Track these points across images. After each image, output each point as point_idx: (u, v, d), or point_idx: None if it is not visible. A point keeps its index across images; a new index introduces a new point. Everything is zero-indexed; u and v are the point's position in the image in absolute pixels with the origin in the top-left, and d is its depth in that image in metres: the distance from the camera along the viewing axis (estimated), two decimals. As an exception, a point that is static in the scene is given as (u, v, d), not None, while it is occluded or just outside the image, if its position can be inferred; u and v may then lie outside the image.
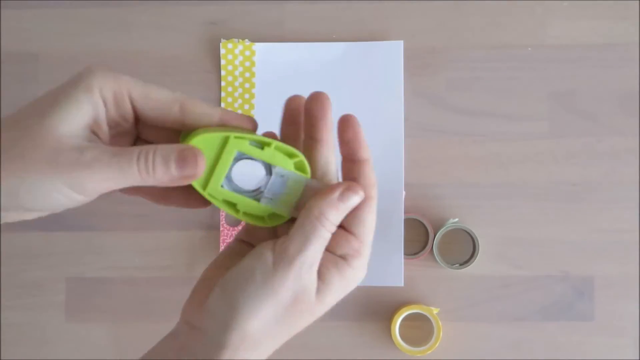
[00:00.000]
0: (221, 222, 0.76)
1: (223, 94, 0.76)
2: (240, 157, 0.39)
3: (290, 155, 0.39)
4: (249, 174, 0.39)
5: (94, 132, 0.38)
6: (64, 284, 0.76)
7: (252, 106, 0.76)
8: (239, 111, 0.76)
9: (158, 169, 0.37)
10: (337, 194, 0.39)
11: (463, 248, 0.75)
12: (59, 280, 0.77)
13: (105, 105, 0.39)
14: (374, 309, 0.75)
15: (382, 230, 0.74)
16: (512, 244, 0.75)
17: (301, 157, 0.39)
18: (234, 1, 0.78)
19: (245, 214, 0.40)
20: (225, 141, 0.38)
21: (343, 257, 0.39)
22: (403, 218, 0.74)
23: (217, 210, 0.76)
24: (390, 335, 0.73)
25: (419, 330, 0.74)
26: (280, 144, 0.39)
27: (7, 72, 0.78)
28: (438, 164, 0.76)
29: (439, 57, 0.76)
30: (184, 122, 0.39)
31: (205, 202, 0.40)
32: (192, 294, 0.42)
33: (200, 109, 0.39)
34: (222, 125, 0.40)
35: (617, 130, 0.75)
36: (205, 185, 0.39)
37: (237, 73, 0.76)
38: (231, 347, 0.38)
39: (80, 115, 0.37)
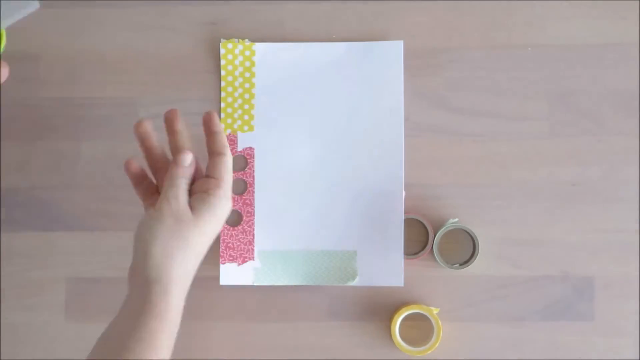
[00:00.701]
0: None
1: (223, 94, 0.76)
2: None
3: None
4: None
5: None
6: (64, 284, 0.76)
7: (252, 106, 0.76)
8: (239, 111, 0.76)
9: None
10: (176, 161, 0.61)
11: (463, 248, 0.75)
12: (59, 280, 0.77)
13: None
14: (374, 309, 0.75)
15: (382, 230, 0.74)
16: (512, 244, 0.75)
17: None
18: (234, 1, 0.78)
19: None
20: None
21: (206, 191, 0.60)
22: (403, 218, 0.74)
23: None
24: (390, 335, 0.73)
25: (419, 330, 0.74)
26: None
27: (7, 72, 0.78)
28: (438, 164, 0.76)
29: (439, 57, 0.76)
30: None
31: None
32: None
33: None
34: None
35: (617, 130, 0.75)
36: None
37: (237, 73, 0.76)
38: (155, 277, 0.57)
39: None
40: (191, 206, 0.60)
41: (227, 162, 0.62)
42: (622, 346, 0.74)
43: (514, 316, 0.74)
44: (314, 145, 0.76)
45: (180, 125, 0.63)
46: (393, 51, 0.75)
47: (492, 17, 0.76)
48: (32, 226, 0.77)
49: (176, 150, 0.62)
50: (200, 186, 0.61)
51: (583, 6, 0.76)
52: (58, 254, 0.77)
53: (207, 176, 0.62)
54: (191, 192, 0.61)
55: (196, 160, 0.62)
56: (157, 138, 0.64)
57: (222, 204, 0.60)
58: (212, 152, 0.62)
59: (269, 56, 0.76)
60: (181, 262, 0.58)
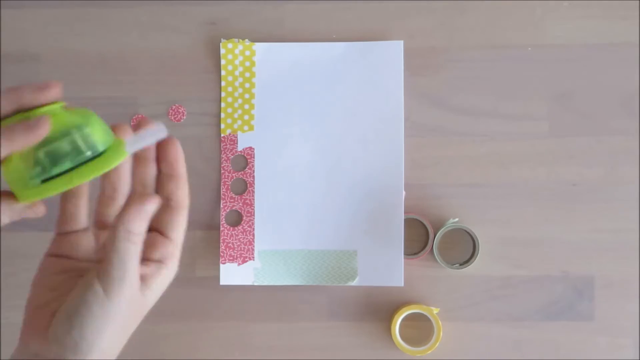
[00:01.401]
0: (221, 222, 0.76)
1: (223, 94, 0.76)
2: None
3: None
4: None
5: None
6: (64, 284, 0.76)
7: (252, 106, 0.76)
8: (239, 111, 0.76)
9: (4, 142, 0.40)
10: (136, 206, 0.41)
11: (463, 248, 0.75)
12: (59, 280, 0.76)
13: None
14: (374, 309, 0.75)
15: (382, 230, 0.74)
16: (512, 244, 0.75)
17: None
18: (234, 1, 0.78)
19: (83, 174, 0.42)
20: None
21: (160, 261, 0.44)
22: (403, 218, 0.74)
23: (217, 210, 0.76)
24: (390, 335, 0.73)
25: (419, 330, 0.74)
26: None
27: (7, 72, 0.78)
28: (438, 164, 0.76)
29: (439, 57, 0.76)
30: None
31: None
32: (27, 321, 0.46)
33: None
34: None
35: (617, 130, 0.75)
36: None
37: (237, 73, 0.76)
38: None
39: None
40: (141, 277, 0.43)
41: (186, 217, 0.45)
42: (622, 346, 0.74)
43: (514, 316, 0.74)
44: (314, 145, 0.76)
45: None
46: (393, 51, 0.75)
47: (492, 17, 0.76)
48: (32, 226, 0.77)
49: (142, 189, 0.45)
50: (150, 249, 0.44)
51: (583, 6, 0.76)
52: (58, 254, 0.77)
53: (157, 231, 0.45)
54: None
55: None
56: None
57: (172, 275, 0.46)
58: (171, 201, 0.44)
59: (269, 56, 0.76)
60: (114, 351, 0.44)
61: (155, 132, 0.44)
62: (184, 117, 0.77)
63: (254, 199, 0.75)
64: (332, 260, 0.74)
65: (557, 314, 0.74)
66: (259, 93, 0.76)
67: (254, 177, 0.76)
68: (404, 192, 0.74)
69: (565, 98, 0.76)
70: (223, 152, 0.76)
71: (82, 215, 0.49)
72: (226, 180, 0.76)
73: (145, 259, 0.43)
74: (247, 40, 0.77)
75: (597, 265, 0.74)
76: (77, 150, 0.41)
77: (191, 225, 0.76)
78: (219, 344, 0.76)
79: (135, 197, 0.41)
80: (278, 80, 0.76)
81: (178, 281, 0.76)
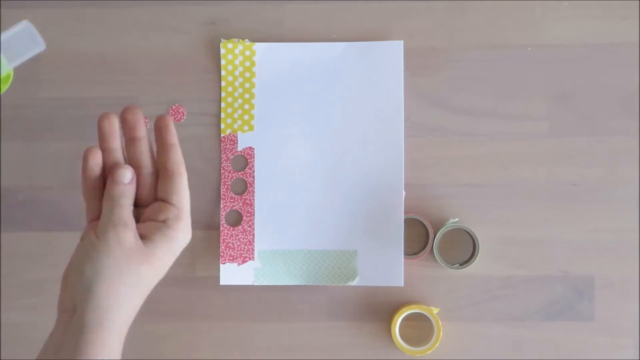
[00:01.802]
0: (221, 222, 0.76)
1: (223, 94, 0.76)
2: None
3: None
4: None
5: None
6: (64, 284, 0.76)
7: (252, 106, 0.76)
8: (239, 111, 0.76)
9: None
10: (113, 177, 0.50)
11: (463, 248, 0.75)
12: (59, 280, 0.76)
13: None
14: (374, 309, 0.75)
15: (382, 230, 0.74)
16: (512, 244, 0.75)
17: None
18: (234, 1, 0.78)
19: None
20: None
21: (164, 221, 0.49)
22: (403, 218, 0.74)
23: (217, 210, 0.76)
24: (390, 335, 0.73)
25: (419, 330, 0.74)
26: None
27: (7, 72, 0.78)
28: (438, 164, 0.76)
29: (439, 57, 0.76)
30: None
31: None
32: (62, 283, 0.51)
33: None
34: None
35: (617, 130, 0.75)
36: None
37: (237, 73, 0.76)
38: (94, 323, 0.46)
39: None
40: (141, 235, 0.49)
41: (185, 183, 0.51)
42: (622, 346, 0.74)
43: (514, 316, 0.74)
44: (314, 145, 0.76)
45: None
46: (393, 51, 0.75)
47: (492, 17, 0.76)
48: (32, 226, 0.77)
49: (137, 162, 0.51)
50: (155, 213, 0.50)
51: (583, 6, 0.76)
52: (58, 254, 0.77)
53: (162, 200, 0.50)
54: (139, 217, 0.51)
55: (138, 176, 0.51)
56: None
57: (182, 238, 0.50)
58: (167, 169, 0.50)
59: (269, 56, 0.76)
60: (129, 303, 0.49)
61: (25, 36, 0.47)
62: (184, 117, 0.77)
63: (254, 199, 0.75)
64: (332, 260, 0.75)
65: (557, 314, 0.74)
66: (259, 93, 0.76)
67: (254, 177, 0.76)
68: (404, 192, 0.74)
69: (565, 98, 0.76)
70: (223, 152, 0.76)
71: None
72: (226, 180, 0.76)
73: (148, 219, 0.50)
74: (247, 40, 0.77)
75: (597, 265, 0.74)
76: None
77: (191, 225, 0.76)
78: (219, 344, 0.76)
79: (114, 169, 0.50)
80: (278, 80, 0.76)
81: (178, 281, 0.76)
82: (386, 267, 0.74)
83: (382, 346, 0.75)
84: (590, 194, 0.75)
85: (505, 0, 0.76)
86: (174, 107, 0.77)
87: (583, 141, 0.75)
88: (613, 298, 0.74)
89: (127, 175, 0.50)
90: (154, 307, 0.76)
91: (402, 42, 0.75)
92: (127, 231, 0.48)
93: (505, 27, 0.76)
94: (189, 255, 0.76)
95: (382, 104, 0.75)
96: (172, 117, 0.77)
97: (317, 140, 0.76)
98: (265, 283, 0.75)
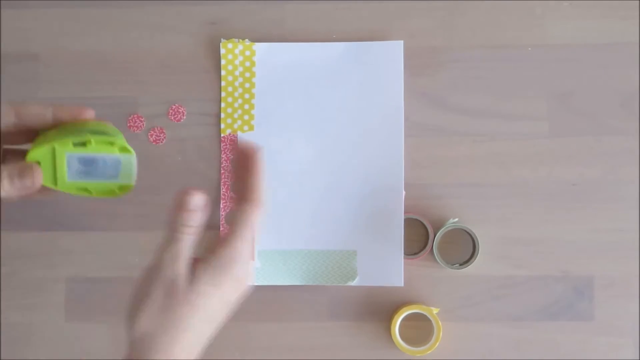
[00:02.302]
0: (221, 222, 0.76)
1: (223, 94, 0.76)
2: (72, 156, 0.48)
3: (111, 144, 0.48)
4: (85, 164, 0.48)
5: None
6: (64, 284, 0.76)
7: (252, 106, 0.76)
8: (239, 111, 0.76)
9: (5, 184, 0.45)
10: (177, 202, 0.47)
11: (463, 248, 0.75)
12: (59, 280, 0.77)
13: None
14: (374, 309, 0.75)
15: (382, 230, 0.74)
16: (512, 244, 0.75)
17: (119, 141, 0.49)
18: (234, 1, 0.78)
19: (98, 192, 0.50)
20: (53, 150, 0.47)
21: (211, 252, 0.46)
22: (403, 218, 0.74)
23: (217, 210, 0.76)
24: (390, 335, 0.73)
25: (419, 330, 0.74)
26: (98, 138, 0.48)
27: (7, 72, 0.78)
28: (438, 164, 0.76)
29: (439, 57, 0.76)
30: (23, 125, 0.48)
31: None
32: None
33: (33, 111, 0.48)
34: (58, 123, 0.49)
35: (617, 130, 0.75)
36: (55, 182, 0.48)
37: (237, 73, 0.76)
38: (134, 348, 0.45)
39: None
40: (194, 270, 0.46)
41: (251, 212, 0.47)
42: (622, 346, 0.74)
43: (514, 316, 0.74)
44: (314, 145, 0.76)
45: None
46: (393, 51, 0.75)
47: (492, 17, 0.76)
48: (32, 226, 0.77)
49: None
50: (210, 243, 0.47)
51: (583, 6, 0.76)
52: (58, 254, 0.77)
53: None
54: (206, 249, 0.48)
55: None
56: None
57: (232, 269, 0.46)
58: (241, 195, 0.48)
59: (269, 56, 0.76)
60: (172, 343, 0.45)
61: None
62: (184, 117, 0.77)
63: None
64: (332, 260, 0.75)
65: (557, 314, 0.74)
66: (259, 93, 0.76)
67: None
68: (403, 192, 0.74)
69: (565, 98, 0.76)
70: (223, 152, 0.76)
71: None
72: (226, 180, 0.76)
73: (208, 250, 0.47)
74: (247, 40, 0.77)
75: (597, 265, 0.74)
76: (112, 174, 0.49)
77: (191, 225, 0.76)
78: (219, 344, 0.76)
79: (179, 193, 0.48)
80: (278, 80, 0.76)
81: (178, 281, 0.76)
82: (386, 267, 0.74)
83: (382, 346, 0.75)
84: (590, 194, 0.75)
85: (505, 0, 0.76)
86: (174, 107, 0.77)
87: (583, 141, 0.75)
88: (613, 298, 0.74)
89: (194, 201, 0.47)
90: (154, 307, 0.76)
91: (402, 42, 0.75)
92: (175, 267, 0.45)
93: (505, 27, 0.76)
94: (189, 255, 0.76)
95: (382, 104, 0.75)
96: (172, 117, 0.77)
97: (318, 140, 0.76)
98: (265, 283, 0.75)
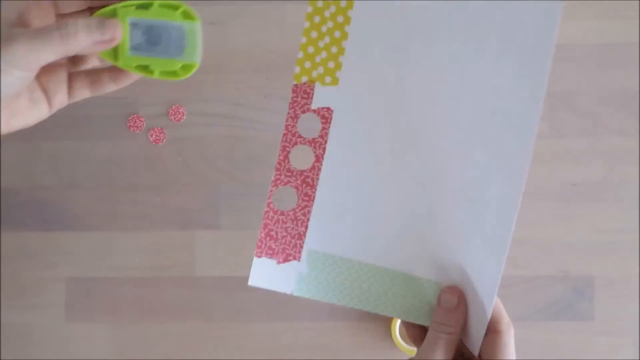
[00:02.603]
0: (268, 201, 0.54)
1: (307, 24, 0.55)
2: (134, 22, 0.44)
3: (175, 8, 0.44)
4: (147, 34, 0.44)
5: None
6: (64, 284, 0.76)
7: (341, 50, 0.53)
8: (324, 54, 0.52)
9: (81, 35, 0.41)
10: (441, 304, 0.45)
11: (463, 248, 0.75)
12: (59, 280, 0.77)
13: None
14: (374, 309, 0.75)
15: (476, 263, 0.54)
16: (512, 244, 0.75)
17: (184, 6, 0.44)
18: (234, 1, 0.78)
19: (160, 72, 0.46)
20: (115, 13, 0.43)
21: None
22: (506, 252, 0.53)
23: (217, 210, 0.76)
24: (390, 335, 0.73)
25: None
26: (162, 0, 0.44)
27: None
28: (438, 164, 0.76)
29: (439, 57, 0.76)
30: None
31: (130, 75, 0.47)
32: None
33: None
34: None
35: (617, 130, 0.75)
36: (115, 57, 0.44)
37: (327, 14, 0.54)
38: None
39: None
40: None
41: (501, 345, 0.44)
42: (622, 346, 0.74)
43: (514, 316, 0.74)
44: (420, 126, 0.51)
45: None
46: (548, 13, 0.51)
47: (492, 17, 0.76)
48: (32, 226, 0.77)
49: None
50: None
51: (583, 6, 0.76)
52: (58, 254, 0.77)
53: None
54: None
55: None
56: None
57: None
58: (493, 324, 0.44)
59: (372, 9, 0.51)
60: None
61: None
62: (184, 117, 0.77)
63: (318, 179, 0.53)
64: (404, 286, 0.54)
65: (557, 314, 0.74)
66: (353, 38, 0.52)
67: (324, 149, 0.53)
68: (514, 222, 0.52)
69: (565, 98, 0.76)
70: (292, 106, 0.52)
71: None
72: (287, 145, 0.53)
73: None
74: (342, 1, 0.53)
75: (597, 265, 0.74)
76: (177, 50, 0.45)
77: (191, 225, 0.77)
78: (219, 344, 0.76)
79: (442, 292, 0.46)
80: (386, 28, 0.51)
81: (178, 281, 0.76)
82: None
83: (382, 346, 0.75)
84: (590, 194, 0.75)
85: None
86: (174, 107, 0.77)
87: (583, 141, 0.75)
88: (613, 298, 0.74)
89: (452, 301, 0.46)
90: (154, 307, 0.76)
91: (563, 3, 0.50)
92: None
93: (505, 27, 0.76)
94: (189, 255, 0.76)
95: (517, 90, 0.50)
96: (172, 117, 0.77)
97: (430, 121, 0.51)
98: (309, 296, 0.53)
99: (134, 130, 0.77)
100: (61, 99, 0.48)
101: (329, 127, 0.53)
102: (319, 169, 0.53)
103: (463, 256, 0.52)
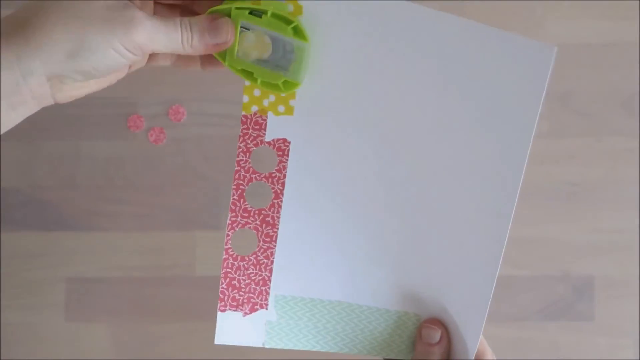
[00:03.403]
0: (226, 246, 0.50)
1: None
2: (246, 26, 0.43)
3: (287, 22, 0.42)
4: (256, 42, 0.43)
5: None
6: (64, 284, 0.77)
7: None
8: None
9: (195, 37, 0.41)
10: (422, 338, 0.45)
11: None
12: (59, 280, 0.77)
13: None
14: (374, 309, 0.75)
15: (460, 291, 0.51)
16: (512, 244, 0.75)
17: (297, 22, 0.42)
18: (233, 1, 0.78)
19: (262, 82, 0.44)
20: (229, 12, 0.43)
21: None
22: (495, 279, 0.50)
23: (217, 210, 0.76)
24: (390, 335, 0.73)
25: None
26: (277, 11, 0.42)
27: (7, 72, 0.78)
28: (438, 164, 0.76)
29: (439, 57, 0.76)
30: None
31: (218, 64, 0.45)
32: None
33: None
34: None
35: (617, 130, 0.75)
36: (224, 56, 0.44)
37: None
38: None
39: None
40: None
41: None
42: (622, 346, 0.74)
43: (514, 316, 0.74)
44: (385, 151, 0.47)
45: None
46: (541, 56, 0.46)
47: (491, 17, 0.76)
48: (32, 226, 0.77)
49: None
50: None
51: (583, 6, 0.76)
52: (58, 254, 0.77)
53: None
54: None
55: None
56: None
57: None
58: None
59: (323, 16, 0.45)
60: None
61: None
62: (184, 117, 0.77)
63: (279, 217, 0.49)
64: (382, 322, 0.50)
65: (557, 314, 0.74)
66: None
67: (284, 184, 0.48)
68: (504, 248, 0.48)
69: (565, 98, 0.76)
70: (242, 139, 0.47)
71: None
72: (240, 182, 0.49)
73: None
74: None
75: (597, 265, 0.74)
76: (283, 63, 0.44)
77: (191, 225, 0.76)
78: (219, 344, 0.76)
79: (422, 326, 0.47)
80: (340, 45, 0.46)
81: (178, 281, 0.76)
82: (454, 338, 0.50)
83: (382, 346, 0.75)
84: (590, 194, 0.75)
85: (505, 0, 0.76)
86: (173, 107, 0.77)
87: (583, 141, 0.75)
88: (613, 298, 0.74)
89: (434, 336, 0.46)
90: (154, 307, 0.76)
91: (555, 48, 0.45)
92: None
93: (505, 27, 0.76)
94: (189, 255, 0.76)
95: (501, 113, 0.47)
96: (172, 117, 0.77)
97: (391, 145, 0.47)
98: (281, 346, 0.50)
99: (134, 130, 0.77)
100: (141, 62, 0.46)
101: (287, 160, 0.48)
102: (279, 206, 0.49)
103: (446, 290, 0.48)
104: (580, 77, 0.76)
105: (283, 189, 0.49)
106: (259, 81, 0.44)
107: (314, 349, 0.50)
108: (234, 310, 0.50)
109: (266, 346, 0.50)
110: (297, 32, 0.43)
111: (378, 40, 0.46)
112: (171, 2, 0.44)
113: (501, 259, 0.48)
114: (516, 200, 0.48)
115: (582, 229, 0.74)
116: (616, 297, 0.74)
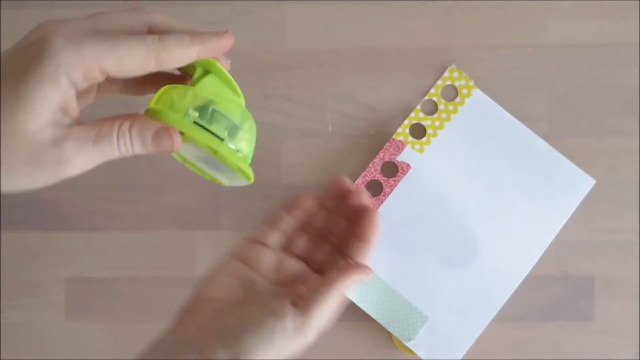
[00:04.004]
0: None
1: (425, 98, 0.75)
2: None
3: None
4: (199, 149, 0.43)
5: (63, 111, 0.38)
6: (64, 284, 0.76)
7: (435, 131, 0.74)
8: (422, 125, 0.73)
9: (136, 146, 0.41)
10: (354, 276, 0.46)
11: (463, 248, 0.75)
12: (59, 280, 0.77)
13: (75, 86, 0.38)
14: (374, 309, 0.75)
15: (468, 308, 0.72)
16: (512, 244, 0.75)
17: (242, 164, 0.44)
18: (234, 1, 0.78)
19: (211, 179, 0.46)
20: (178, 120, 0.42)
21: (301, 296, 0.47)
22: (488, 321, 0.74)
23: (217, 210, 0.76)
24: (390, 335, 0.73)
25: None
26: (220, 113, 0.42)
27: (7, 72, 0.78)
28: (438, 164, 0.76)
29: (439, 57, 0.76)
30: (162, 70, 0.41)
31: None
32: (188, 307, 0.47)
33: (176, 55, 0.40)
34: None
35: (617, 130, 0.75)
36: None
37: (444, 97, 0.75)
38: None
39: (48, 106, 0.36)
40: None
41: (357, 278, 0.47)
42: (622, 346, 0.74)
43: (514, 316, 0.74)
44: (471, 199, 0.73)
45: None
46: (581, 183, 0.73)
47: (492, 17, 0.76)
48: (32, 226, 0.77)
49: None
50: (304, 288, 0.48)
51: (583, 6, 0.76)
52: (58, 254, 0.77)
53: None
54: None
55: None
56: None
57: (283, 338, 0.44)
58: (349, 259, 0.49)
59: (478, 105, 0.74)
60: None
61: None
62: (184, 117, 0.77)
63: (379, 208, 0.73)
64: (402, 308, 0.69)
65: (557, 314, 0.74)
66: (451, 125, 0.74)
67: (392, 189, 0.73)
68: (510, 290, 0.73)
69: (565, 98, 0.76)
70: (383, 151, 0.73)
71: (278, 236, 0.49)
72: (367, 174, 0.73)
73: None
74: (472, 80, 0.75)
75: (597, 265, 0.74)
76: (233, 132, 0.44)
77: (191, 225, 0.76)
78: (219, 344, 0.76)
79: (358, 269, 0.46)
80: (473, 128, 0.74)
81: (178, 281, 0.76)
82: (450, 337, 0.72)
83: (382, 346, 0.75)
84: (590, 194, 0.75)
85: (505, 0, 0.76)
86: (174, 107, 0.77)
87: (583, 141, 0.75)
88: (613, 298, 0.74)
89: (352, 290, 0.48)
90: (154, 307, 0.76)
91: (594, 182, 0.73)
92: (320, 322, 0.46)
93: (505, 27, 0.76)
94: (189, 255, 0.76)
95: (538, 215, 0.73)
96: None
97: (474, 197, 0.73)
98: (362, 305, 0.68)
99: (134, 130, 0.77)
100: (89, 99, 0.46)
101: (402, 177, 0.73)
102: (382, 202, 0.73)
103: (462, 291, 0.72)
104: (580, 77, 0.76)
105: (390, 192, 0.73)
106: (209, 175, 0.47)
107: (371, 314, 0.69)
108: None
109: (354, 300, 0.64)
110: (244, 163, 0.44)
111: (478, 138, 0.74)
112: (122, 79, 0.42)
113: (519, 283, 0.72)
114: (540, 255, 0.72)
115: (582, 229, 0.74)
116: (616, 297, 0.74)
